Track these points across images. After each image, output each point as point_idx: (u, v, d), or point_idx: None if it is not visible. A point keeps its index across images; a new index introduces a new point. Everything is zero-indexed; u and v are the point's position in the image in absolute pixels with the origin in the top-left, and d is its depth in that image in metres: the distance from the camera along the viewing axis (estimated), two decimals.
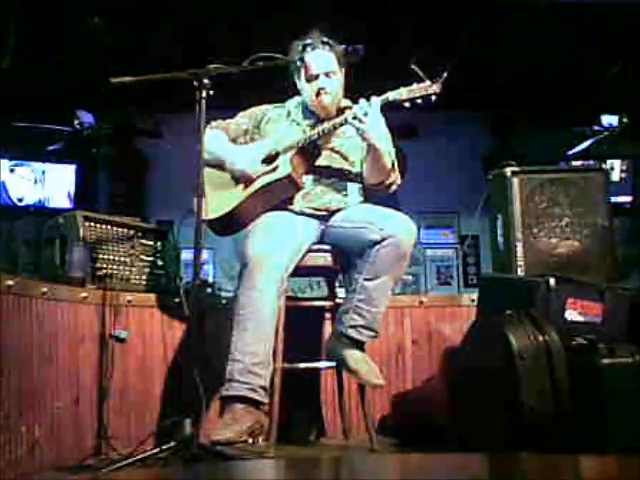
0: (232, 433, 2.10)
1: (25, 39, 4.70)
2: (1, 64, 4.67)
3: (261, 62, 2.29)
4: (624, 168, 6.38)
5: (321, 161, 2.57)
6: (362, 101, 2.38)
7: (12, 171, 6.20)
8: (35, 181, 6.26)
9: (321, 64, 2.54)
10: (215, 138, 2.59)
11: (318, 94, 2.54)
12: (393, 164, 2.56)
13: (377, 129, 2.38)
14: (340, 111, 2.59)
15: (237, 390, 2.18)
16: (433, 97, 2.37)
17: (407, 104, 2.39)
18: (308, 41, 2.54)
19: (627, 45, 5.00)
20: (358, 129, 2.38)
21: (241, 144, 2.65)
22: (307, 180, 2.55)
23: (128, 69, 2.46)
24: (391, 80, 2.43)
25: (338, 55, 2.55)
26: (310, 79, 2.55)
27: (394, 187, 2.60)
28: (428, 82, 2.36)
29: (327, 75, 2.54)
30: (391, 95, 2.39)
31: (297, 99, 2.70)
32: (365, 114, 2.34)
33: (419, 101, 2.38)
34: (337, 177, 2.58)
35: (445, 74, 2.34)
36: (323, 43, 2.54)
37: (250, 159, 2.52)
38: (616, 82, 5.52)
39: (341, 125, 2.45)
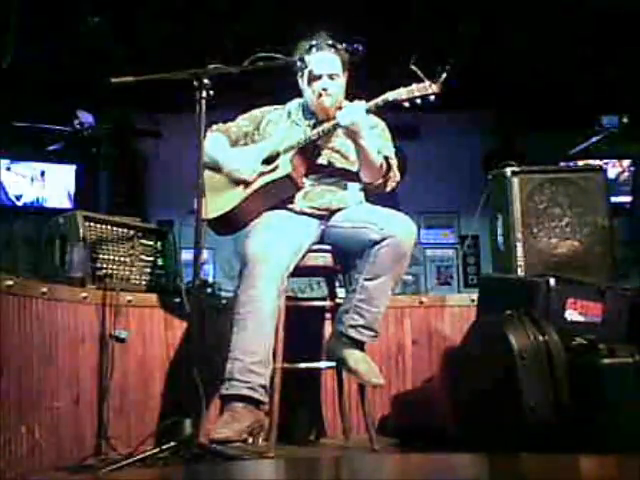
0: (232, 432, 2.10)
1: (25, 39, 4.70)
2: (1, 64, 4.67)
3: (261, 62, 2.30)
4: (620, 170, 6.41)
5: (321, 160, 2.57)
6: (346, 103, 2.40)
7: (8, 169, 6.20)
8: (32, 178, 6.26)
9: (325, 65, 2.54)
10: (215, 141, 2.60)
11: (320, 95, 2.55)
12: (389, 163, 2.56)
13: (360, 130, 2.39)
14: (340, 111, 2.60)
15: (237, 389, 2.18)
16: (432, 97, 2.38)
17: (407, 104, 2.40)
18: (314, 42, 2.54)
19: (627, 45, 5.00)
20: (343, 128, 2.41)
21: (242, 146, 2.66)
22: (308, 180, 2.56)
23: (128, 69, 2.46)
24: (391, 80, 2.44)
25: (343, 58, 2.56)
26: (313, 80, 2.55)
27: (392, 184, 2.60)
28: (427, 82, 2.38)
29: (330, 77, 2.55)
30: (390, 95, 2.40)
31: (298, 100, 2.70)
32: (347, 115, 2.37)
33: (418, 101, 2.39)
34: (337, 176, 2.58)
35: (444, 74, 2.35)
36: (328, 45, 2.55)
37: (248, 162, 2.53)
38: (616, 82, 5.52)
39: (336, 128, 2.46)
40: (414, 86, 2.39)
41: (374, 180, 2.55)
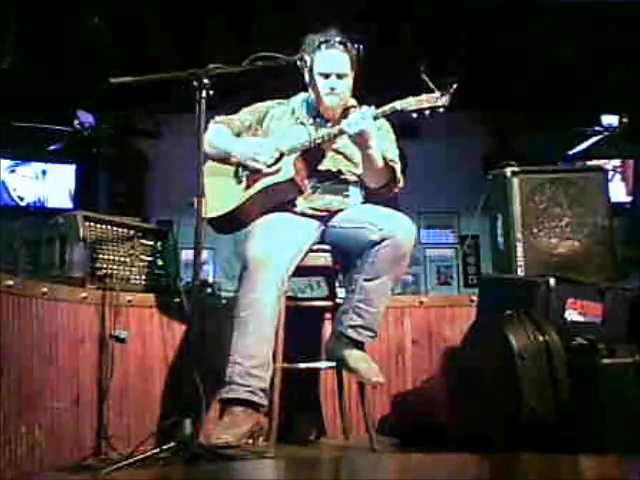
0: (232, 436, 2.09)
1: (25, 39, 4.70)
2: (1, 64, 4.67)
3: (261, 62, 2.29)
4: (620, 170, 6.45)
5: (324, 163, 2.55)
6: (357, 110, 2.36)
7: (13, 171, 6.21)
8: (36, 177, 6.27)
9: (335, 64, 2.50)
10: (219, 132, 2.58)
11: (326, 94, 2.52)
12: (394, 168, 2.54)
13: (369, 137, 2.35)
14: (346, 110, 2.58)
15: (237, 393, 2.18)
16: (441, 109, 2.31)
17: (415, 115, 2.34)
18: (324, 38, 2.50)
19: (627, 45, 5.00)
20: (351, 136, 2.36)
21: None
22: (310, 181, 2.53)
23: (128, 69, 2.46)
24: (391, 81, 2.43)
25: (352, 56, 2.52)
26: (321, 78, 2.52)
27: (395, 190, 2.58)
28: (437, 93, 2.30)
29: (339, 76, 2.51)
30: (399, 105, 2.35)
31: (302, 96, 2.67)
32: (356, 124, 2.32)
33: (427, 112, 2.32)
34: (339, 178, 2.57)
35: (455, 86, 2.29)
36: (339, 43, 2.50)
37: (258, 147, 2.48)
38: (616, 82, 5.52)
39: (342, 133, 2.42)
40: (424, 96, 2.32)
41: (379, 186, 2.53)
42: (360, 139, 2.36)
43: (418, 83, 2.34)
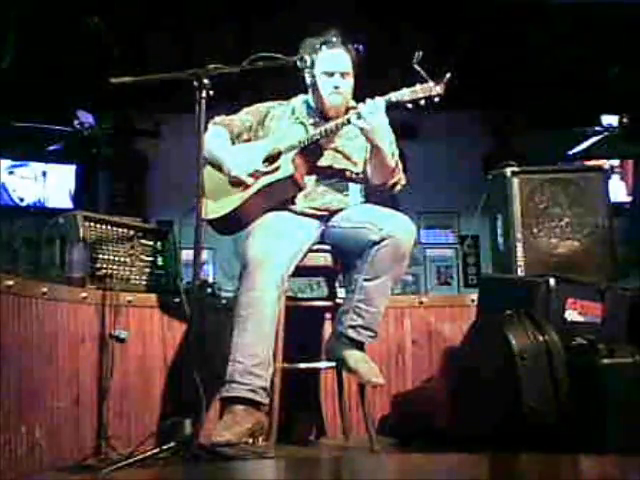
0: (232, 435, 2.09)
1: (25, 39, 4.70)
2: (1, 64, 4.67)
3: (261, 62, 2.29)
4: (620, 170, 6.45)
5: (323, 161, 2.55)
6: (368, 101, 2.35)
7: (11, 173, 6.22)
8: (35, 178, 6.28)
9: (337, 63, 2.52)
10: (216, 136, 2.57)
11: (330, 93, 2.52)
12: (397, 164, 2.55)
13: (382, 129, 2.37)
14: (347, 110, 2.59)
15: (237, 391, 2.18)
16: (436, 99, 2.32)
17: (410, 105, 2.36)
18: (325, 39, 2.51)
19: (627, 45, 5.01)
20: (362, 129, 2.36)
21: (245, 141, 2.63)
22: (309, 180, 2.54)
23: (128, 69, 2.46)
24: (392, 80, 2.42)
25: (352, 56, 2.53)
26: (324, 77, 2.52)
27: (398, 187, 2.59)
28: (431, 83, 2.32)
29: (342, 75, 2.52)
30: (394, 96, 2.36)
31: (302, 97, 2.68)
32: (371, 113, 2.32)
33: (422, 102, 2.34)
34: (339, 177, 2.57)
35: (448, 75, 2.31)
36: (340, 43, 2.52)
37: (247, 164, 2.46)
38: (616, 82, 5.53)
39: (344, 125, 2.44)
40: (417, 87, 2.33)
41: (385, 181, 2.53)
42: (372, 132, 2.35)
43: (418, 83, 2.34)
